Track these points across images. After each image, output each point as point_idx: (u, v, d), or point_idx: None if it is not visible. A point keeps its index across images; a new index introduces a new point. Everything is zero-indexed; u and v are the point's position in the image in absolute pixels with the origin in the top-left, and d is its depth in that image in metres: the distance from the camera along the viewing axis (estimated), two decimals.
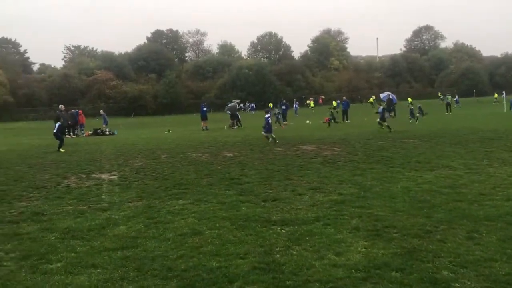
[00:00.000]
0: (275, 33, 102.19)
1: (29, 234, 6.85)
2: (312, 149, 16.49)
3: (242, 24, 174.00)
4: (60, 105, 28.08)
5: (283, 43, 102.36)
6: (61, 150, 18.31)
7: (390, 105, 33.12)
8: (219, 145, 19.24)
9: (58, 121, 20.30)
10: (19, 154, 17.91)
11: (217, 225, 7.07)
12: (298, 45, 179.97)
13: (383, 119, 22.58)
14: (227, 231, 6.73)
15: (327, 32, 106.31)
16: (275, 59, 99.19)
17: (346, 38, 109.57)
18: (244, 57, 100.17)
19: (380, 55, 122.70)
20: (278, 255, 5.64)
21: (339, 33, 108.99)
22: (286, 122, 32.62)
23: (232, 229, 6.84)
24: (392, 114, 32.98)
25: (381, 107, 24.14)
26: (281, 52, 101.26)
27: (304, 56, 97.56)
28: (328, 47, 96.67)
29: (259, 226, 6.95)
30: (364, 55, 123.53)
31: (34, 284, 4.94)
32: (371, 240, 6.09)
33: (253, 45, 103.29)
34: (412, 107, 31.04)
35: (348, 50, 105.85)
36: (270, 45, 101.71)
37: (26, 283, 4.98)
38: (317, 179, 10.61)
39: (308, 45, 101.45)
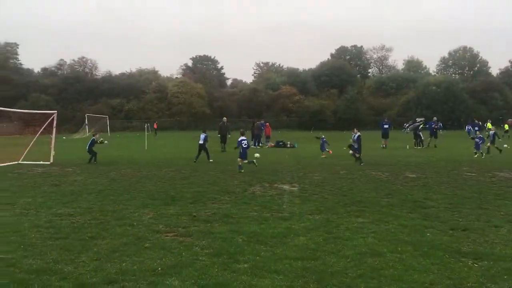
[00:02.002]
0: (470, 48, 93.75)
1: (220, 233, 7.54)
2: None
3: (430, 38, 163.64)
4: (223, 118, 30.16)
5: (479, 58, 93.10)
6: (210, 160, 19.79)
7: None
8: (401, 164, 18.42)
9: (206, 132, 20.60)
10: (215, 161, 19.96)
11: (399, 248, 6.71)
12: (497, 61, 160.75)
13: None
14: (410, 257, 6.33)
15: None
16: (469, 75, 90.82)
17: None
18: (432, 73, 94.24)
19: None
20: None
21: None
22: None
23: (415, 255, 6.42)
24: None
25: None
26: (476, 68, 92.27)
27: (505, 72, 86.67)
28: None
29: (447, 256, 6.36)
30: None
31: (224, 280, 5.39)
32: None
33: (443, 60, 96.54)
34: None
35: None
36: (463, 60, 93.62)
37: (217, 278, 5.47)
38: None
39: (510, 60, 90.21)
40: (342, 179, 14.19)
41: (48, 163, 19.37)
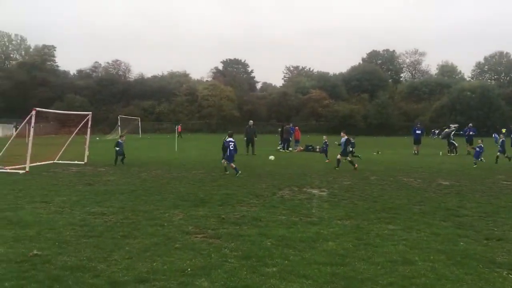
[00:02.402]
0: (506, 53, 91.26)
1: (249, 236, 7.57)
2: None
3: (465, 42, 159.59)
4: (250, 121, 29.97)
5: None
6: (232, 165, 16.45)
7: None
8: (433, 171, 18.03)
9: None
10: (243, 164, 20.05)
11: (431, 257, 6.57)
12: None
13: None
14: (443, 266, 6.18)
15: None
16: (505, 81, 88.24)
17: None
18: (467, 79, 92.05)
19: None
20: None
21: None
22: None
23: (448, 264, 6.27)
24: None
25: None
26: None
27: None
28: None
29: (481, 266, 6.18)
30: None
31: (253, 283, 5.41)
32: None
33: (478, 65, 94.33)
34: None
35: None
36: (500, 65, 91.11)
37: (246, 281, 5.49)
38: None
39: None
40: (372, 185, 14.00)
41: (83, 163, 19.89)
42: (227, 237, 7.50)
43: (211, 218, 8.95)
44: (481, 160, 21.15)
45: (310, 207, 10.39)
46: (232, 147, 16.29)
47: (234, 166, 16.21)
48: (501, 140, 23.73)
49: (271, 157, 18.16)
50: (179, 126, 57.32)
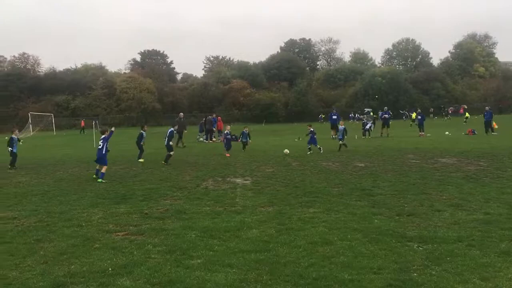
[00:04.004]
0: (412, 39, 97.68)
1: (173, 230, 7.46)
2: (453, 162, 15.29)
3: (376, 30, 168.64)
4: (180, 113, 29.55)
5: (421, 49, 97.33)
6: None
7: None
8: (350, 154, 18.91)
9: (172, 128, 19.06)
10: (164, 157, 19.65)
11: (348, 236, 6.91)
12: (438, 52, 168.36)
13: None
14: (359, 244, 6.53)
15: (472, 36, 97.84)
16: (412, 66, 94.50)
17: (494, 43, 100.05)
18: (378, 65, 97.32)
19: None
20: (415, 274, 5.29)
21: (486, 37, 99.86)
22: (423, 132, 30.76)
23: (364, 241, 6.63)
24: None
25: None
26: (418, 59, 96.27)
27: (445, 62, 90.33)
28: (472, 52, 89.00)
29: (393, 241, 6.62)
30: None
31: (177, 277, 5.34)
32: None
33: (387, 52, 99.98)
34: None
35: (496, 56, 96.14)
36: (406, 51, 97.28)
37: (170, 275, 5.41)
38: (458, 196, 9.76)
39: (449, 51, 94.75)
40: (294, 171, 14.40)
41: None
42: (151, 233, 7.35)
43: (133, 215, 8.71)
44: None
45: (234, 196, 10.46)
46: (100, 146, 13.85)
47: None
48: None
49: (286, 151, 18.14)
50: (82, 121, 54.82)
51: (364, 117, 34.95)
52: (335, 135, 29.90)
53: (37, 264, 5.89)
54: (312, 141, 20.06)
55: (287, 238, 6.88)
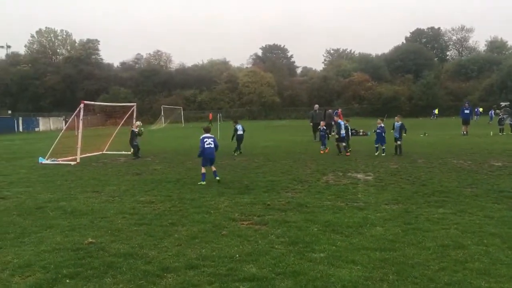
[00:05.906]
0: None
1: (295, 222, 7.55)
2: None
3: None
4: (315, 105, 29.46)
5: None
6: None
7: None
8: (484, 152, 17.35)
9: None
10: (285, 150, 20.03)
11: (485, 241, 6.34)
12: None
13: None
14: (497, 250, 5.95)
15: None
16: None
17: None
18: None
19: None
20: None
21: None
22: None
23: (503, 248, 6.02)
24: None
25: None
26: None
27: None
28: None
29: None
30: None
31: (301, 269, 5.40)
32: None
33: None
34: None
35: None
36: None
37: (294, 266, 5.49)
38: None
39: None
40: (420, 168, 13.63)
41: (130, 153, 20.42)
42: (273, 224, 7.52)
43: (257, 205, 9.00)
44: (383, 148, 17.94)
45: (355, 192, 10.24)
46: (208, 144, 11.92)
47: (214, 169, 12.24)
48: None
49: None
50: (210, 114, 57.74)
51: (501, 111, 31.60)
52: (466, 131, 27.69)
53: (173, 246, 6.40)
54: (380, 139, 17.71)
55: (414, 238, 6.54)
